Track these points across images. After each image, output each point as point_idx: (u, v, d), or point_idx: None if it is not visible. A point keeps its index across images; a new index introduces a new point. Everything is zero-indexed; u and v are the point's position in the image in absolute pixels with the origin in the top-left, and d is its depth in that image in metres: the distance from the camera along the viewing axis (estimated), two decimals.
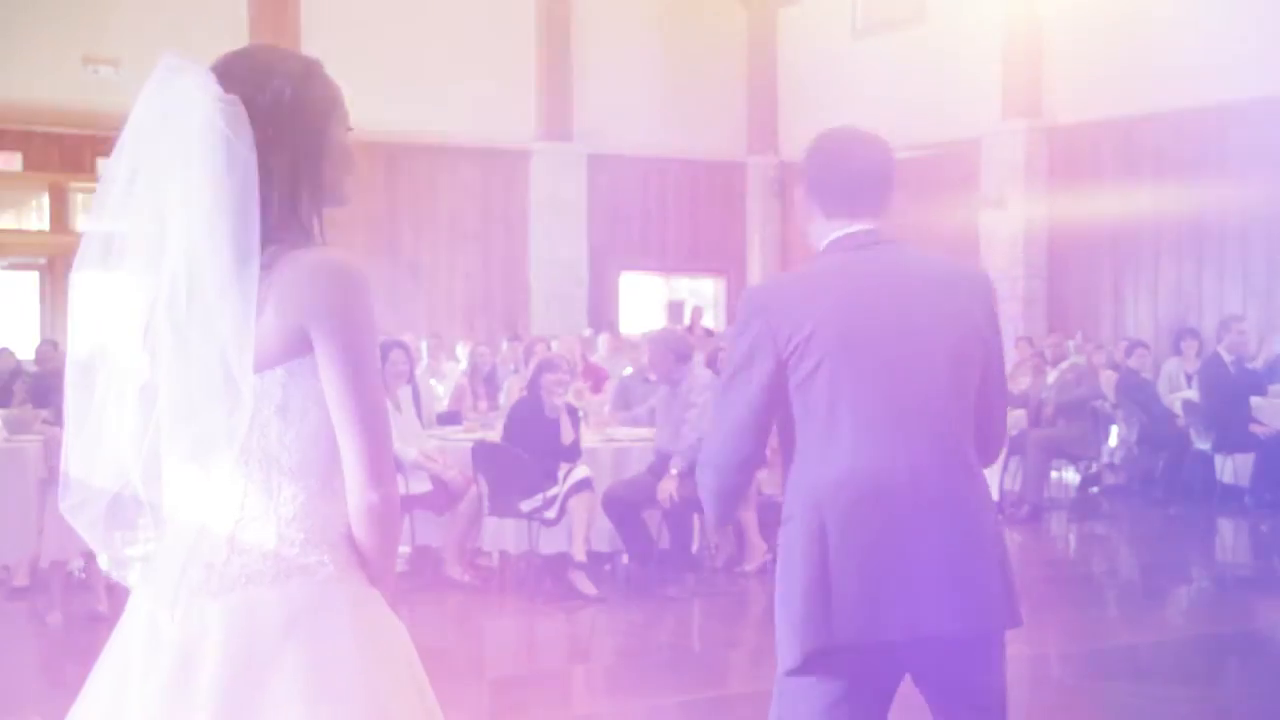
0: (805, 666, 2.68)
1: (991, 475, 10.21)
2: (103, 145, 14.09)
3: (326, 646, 1.95)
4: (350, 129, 2.13)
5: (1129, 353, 11.88)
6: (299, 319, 1.95)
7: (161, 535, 2.05)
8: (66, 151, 14.11)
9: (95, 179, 14.17)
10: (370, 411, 1.98)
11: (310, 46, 14.56)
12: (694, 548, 8.36)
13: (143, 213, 1.96)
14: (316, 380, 1.97)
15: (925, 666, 2.78)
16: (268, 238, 1.96)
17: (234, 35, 14.62)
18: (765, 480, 8.22)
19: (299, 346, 1.96)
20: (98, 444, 1.99)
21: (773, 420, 2.78)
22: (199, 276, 1.93)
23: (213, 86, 1.95)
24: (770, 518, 8.35)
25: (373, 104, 14.33)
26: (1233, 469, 10.85)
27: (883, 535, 2.62)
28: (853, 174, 2.89)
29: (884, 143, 2.97)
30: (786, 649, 2.71)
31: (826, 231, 2.86)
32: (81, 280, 2.03)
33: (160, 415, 1.96)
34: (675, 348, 8.11)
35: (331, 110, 2.08)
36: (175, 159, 1.93)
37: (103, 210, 1.97)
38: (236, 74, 2.00)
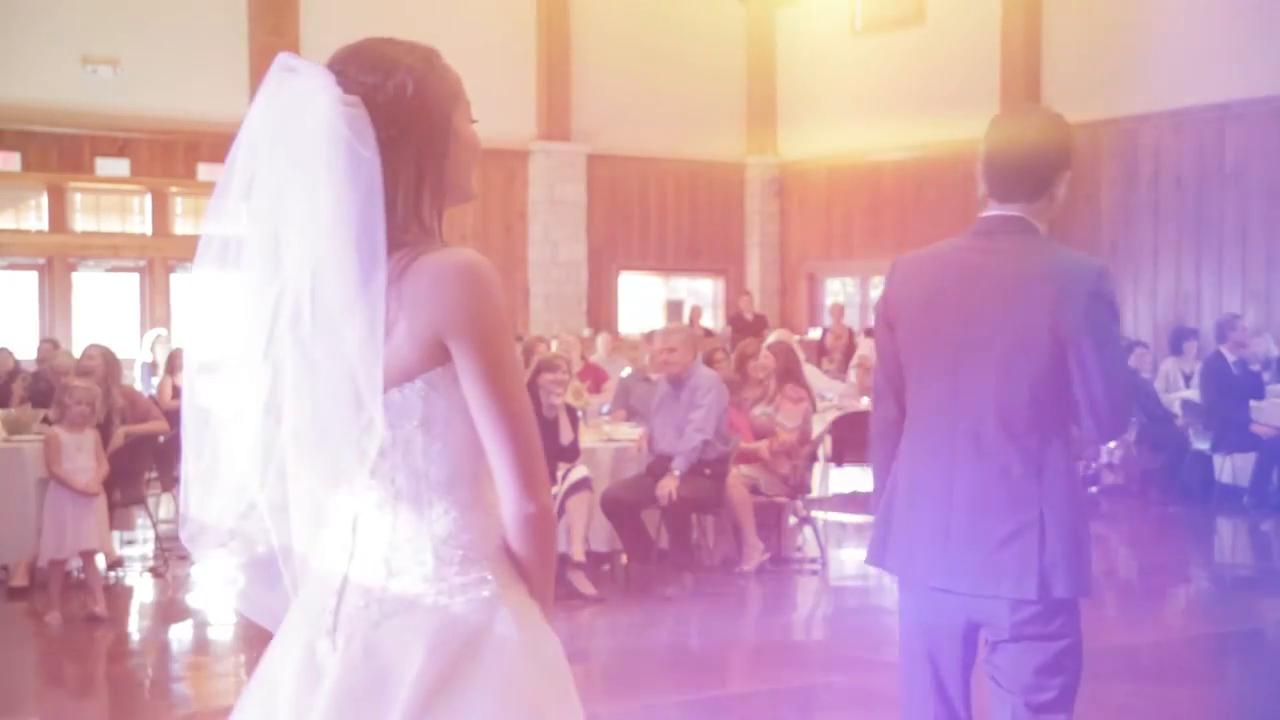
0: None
1: None
2: (102, 145, 14.11)
3: (498, 669, 1.86)
4: (474, 120, 2.03)
5: (1127, 352, 11.88)
6: (433, 328, 1.82)
7: (292, 564, 1.95)
8: (65, 151, 14.10)
9: (94, 178, 14.19)
10: (517, 417, 1.86)
11: (309, 47, 14.57)
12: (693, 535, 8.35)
13: (260, 222, 1.85)
14: (458, 389, 1.85)
15: (974, 617, 3.03)
16: (392, 241, 1.84)
17: (233, 35, 14.62)
18: (763, 482, 8.22)
19: (437, 356, 1.84)
20: (215, 471, 1.88)
21: (900, 378, 3.12)
22: (323, 291, 1.80)
23: (333, 88, 1.83)
24: (768, 519, 8.36)
25: None
26: (1231, 469, 10.85)
27: (936, 500, 2.98)
28: (1003, 158, 3.06)
29: (1045, 127, 3.07)
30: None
31: (982, 210, 3.12)
32: (193, 286, 1.91)
33: (287, 439, 1.84)
34: (696, 344, 8.10)
35: (455, 101, 1.97)
36: (295, 167, 1.81)
37: (218, 220, 1.86)
38: (355, 71, 1.89)
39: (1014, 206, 3.04)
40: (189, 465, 1.90)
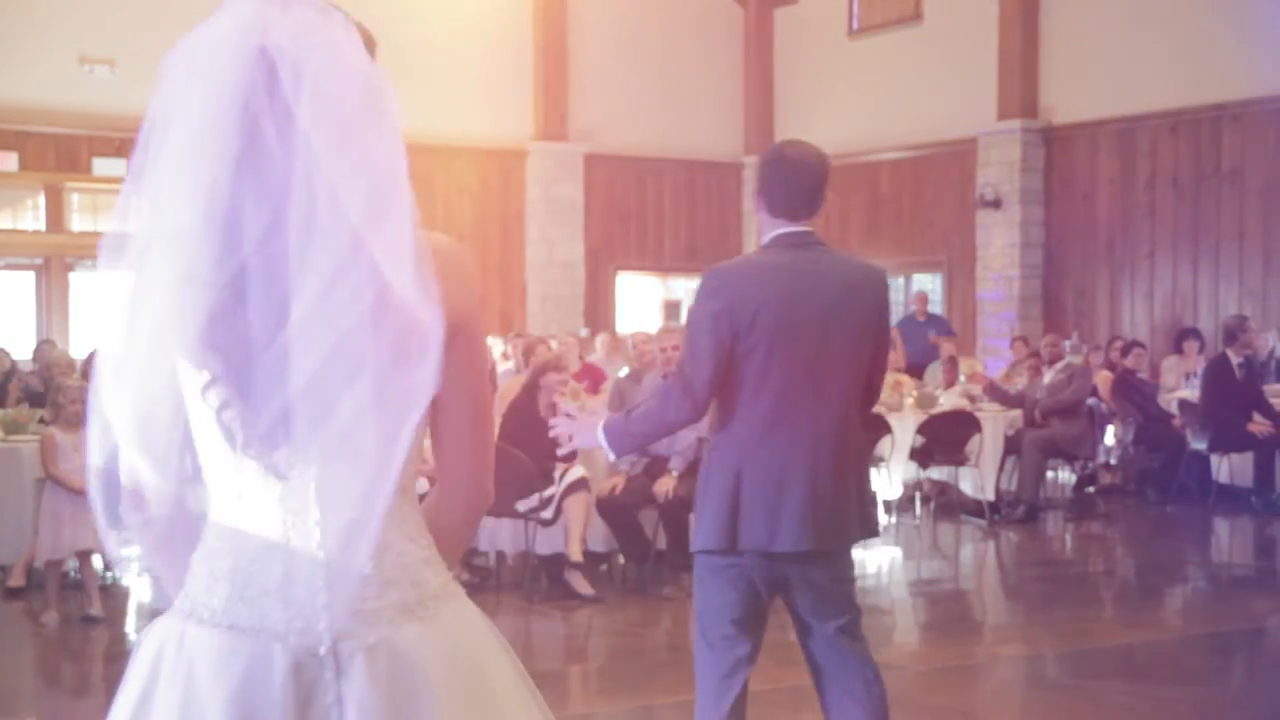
0: (715, 551, 3.63)
1: (987, 475, 10.25)
2: (99, 145, 14.10)
3: (493, 674, 1.76)
4: None
5: (1126, 352, 11.89)
6: (456, 314, 1.70)
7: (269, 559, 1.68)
8: (62, 151, 14.09)
9: (91, 178, 14.18)
10: (491, 409, 1.89)
11: None
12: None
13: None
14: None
15: (797, 573, 3.65)
16: None
17: None
18: None
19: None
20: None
21: (719, 379, 3.55)
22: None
23: (349, 24, 1.65)
24: None
25: None
26: (1229, 468, 10.86)
27: (784, 477, 3.54)
28: (797, 183, 3.59)
29: (824, 157, 3.70)
30: (703, 539, 3.64)
31: (771, 228, 3.64)
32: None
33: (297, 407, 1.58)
34: None
35: None
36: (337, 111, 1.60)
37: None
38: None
39: (804, 223, 3.61)
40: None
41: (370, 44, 1.72)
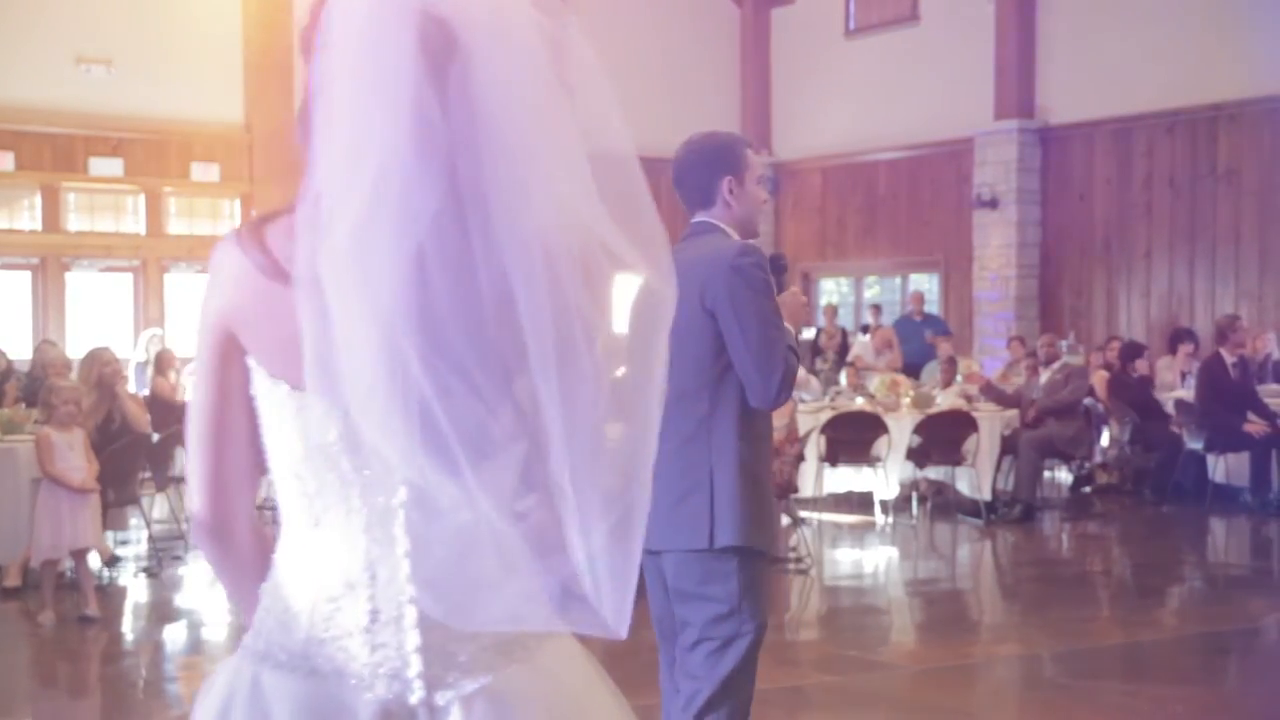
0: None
1: (984, 475, 10.26)
2: (95, 145, 14.09)
3: (596, 715, 1.62)
4: None
5: (1127, 355, 11.88)
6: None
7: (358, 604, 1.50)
8: (59, 151, 14.07)
9: (88, 178, 14.16)
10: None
11: None
12: None
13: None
14: None
15: (665, 574, 3.39)
16: None
17: (228, 35, 14.61)
18: None
19: None
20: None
21: None
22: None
23: None
24: None
25: None
26: (1225, 468, 10.87)
27: None
28: (675, 180, 3.54)
29: (697, 146, 3.55)
30: None
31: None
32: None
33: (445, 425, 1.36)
34: None
35: None
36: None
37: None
38: None
39: (701, 213, 3.52)
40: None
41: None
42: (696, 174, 3.51)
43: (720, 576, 3.29)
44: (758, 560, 3.40)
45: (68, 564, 7.25)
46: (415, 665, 1.47)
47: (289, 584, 1.51)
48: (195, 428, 1.55)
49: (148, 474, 8.73)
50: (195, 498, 1.56)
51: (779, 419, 8.36)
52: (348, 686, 1.47)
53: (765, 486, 3.40)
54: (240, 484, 1.57)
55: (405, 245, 1.34)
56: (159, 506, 9.36)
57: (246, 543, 1.59)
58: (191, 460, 1.57)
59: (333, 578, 1.48)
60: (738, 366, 3.30)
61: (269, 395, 1.48)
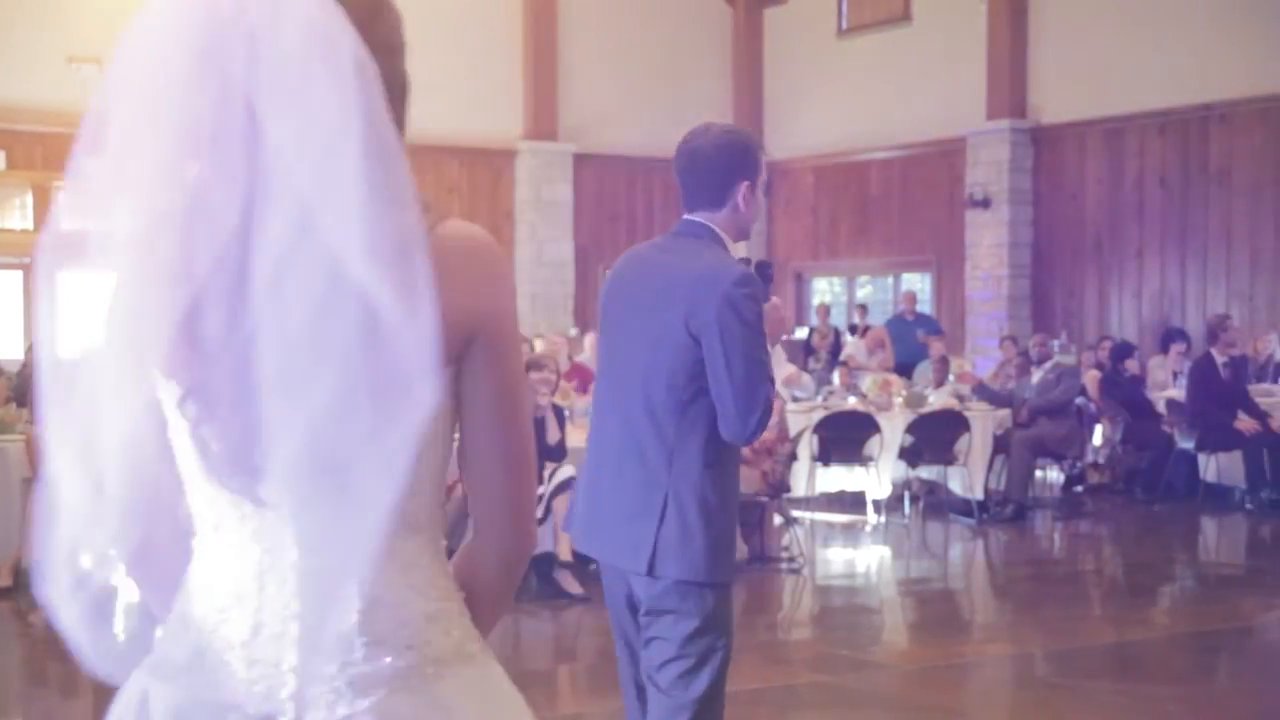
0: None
1: (976, 474, 10.27)
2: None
3: None
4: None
5: (1119, 355, 11.92)
6: (467, 318, 1.43)
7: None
8: (50, 151, 14.03)
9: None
10: (530, 437, 1.55)
11: None
12: None
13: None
14: (452, 399, 1.46)
15: (612, 586, 3.30)
16: None
17: None
18: (743, 480, 8.22)
19: (453, 354, 1.43)
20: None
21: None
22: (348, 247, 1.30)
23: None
24: (750, 518, 8.36)
25: None
26: (1216, 467, 10.90)
27: (596, 476, 3.31)
28: (683, 172, 3.29)
29: (720, 143, 3.24)
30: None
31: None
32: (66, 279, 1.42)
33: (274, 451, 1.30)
34: None
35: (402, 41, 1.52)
36: (282, 86, 1.32)
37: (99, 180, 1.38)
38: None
39: (700, 214, 3.26)
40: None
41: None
42: (713, 171, 3.21)
43: (694, 594, 3.14)
44: (720, 587, 3.20)
45: None
46: (289, 685, 1.38)
47: (187, 592, 1.46)
48: None
49: None
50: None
51: (771, 417, 8.37)
52: (220, 707, 1.40)
53: (723, 517, 3.17)
54: None
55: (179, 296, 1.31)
56: None
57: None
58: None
59: (224, 587, 1.42)
60: (716, 399, 3.10)
61: (165, 391, 1.40)
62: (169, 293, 1.30)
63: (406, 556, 1.42)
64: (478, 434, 1.50)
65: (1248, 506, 10.52)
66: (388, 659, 1.39)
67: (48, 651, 6.64)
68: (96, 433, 1.36)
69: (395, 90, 1.42)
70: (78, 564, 1.41)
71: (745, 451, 8.28)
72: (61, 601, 1.42)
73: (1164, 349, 12.61)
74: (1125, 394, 11.53)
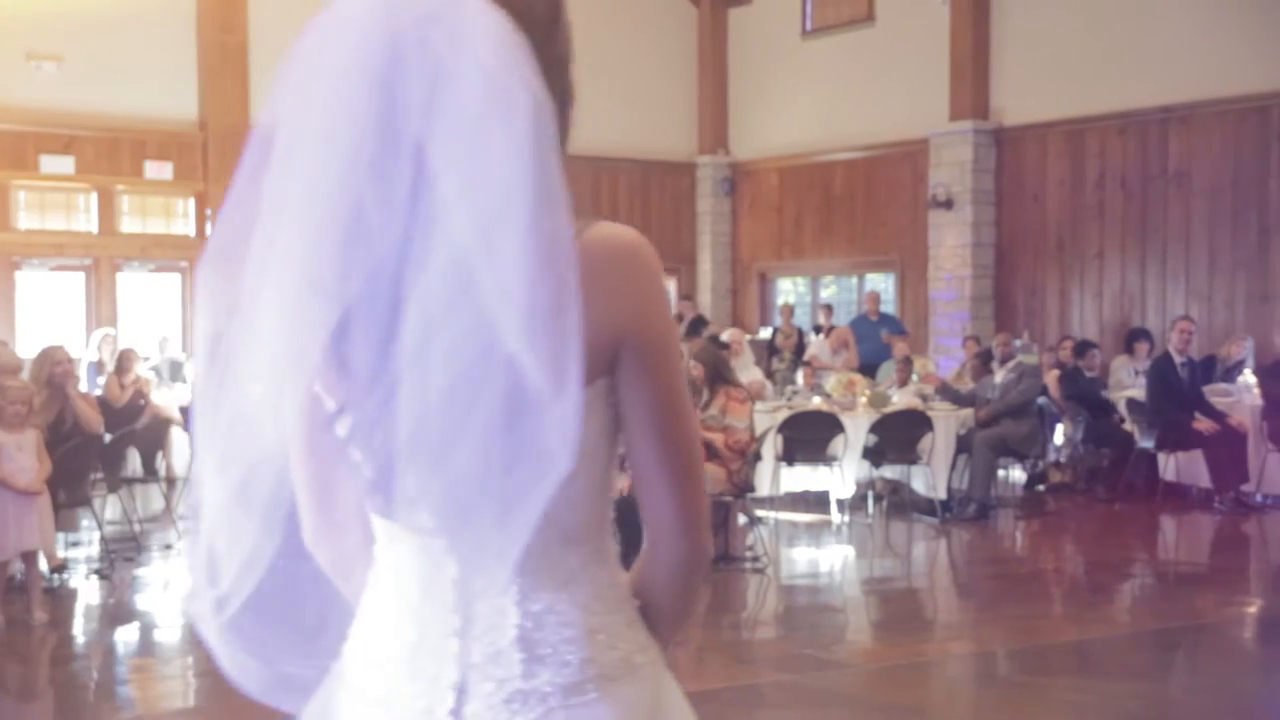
0: None
1: (939, 473, 10.33)
2: (46, 142, 13.92)
3: None
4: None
5: (1077, 352, 12.03)
6: (615, 326, 1.40)
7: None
8: (9, 148, 13.89)
9: (39, 176, 13.99)
10: (696, 440, 1.51)
11: (258, 44, 14.45)
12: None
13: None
14: (610, 409, 1.44)
15: None
16: None
17: (181, 32, 14.48)
18: (709, 480, 8.23)
19: (603, 364, 1.41)
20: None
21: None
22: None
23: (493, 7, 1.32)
24: (715, 518, 8.37)
25: None
26: (1175, 466, 11.00)
27: None
28: None
29: None
30: None
31: None
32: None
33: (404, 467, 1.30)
34: None
35: (571, 50, 1.53)
36: (457, 115, 1.30)
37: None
38: None
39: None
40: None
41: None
42: None
43: None
44: None
45: (17, 567, 7.16)
46: (448, 701, 1.40)
47: (369, 600, 1.48)
48: None
49: (99, 475, 8.64)
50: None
51: (741, 420, 8.38)
52: (390, 715, 1.42)
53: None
54: None
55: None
56: (111, 508, 9.26)
57: None
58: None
59: (396, 598, 1.44)
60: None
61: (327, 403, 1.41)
62: (323, 305, 1.29)
63: (567, 571, 1.42)
64: (639, 445, 1.46)
65: (1217, 506, 10.61)
66: (546, 675, 1.38)
67: (6, 654, 6.57)
68: (239, 438, 1.36)
69: (564, 102, 1.45)
70: (218, 578, 1.40)
71: (721, 449, 8.29)
72: (203, 618, 1.42)
73: (1128, 349, 12.72)
74: (1083, 392, 11.64)
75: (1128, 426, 11.40)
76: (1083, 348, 12.08)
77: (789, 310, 15.90)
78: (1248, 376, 11.23)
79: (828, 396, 11.11)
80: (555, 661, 1.39)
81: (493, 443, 1.26)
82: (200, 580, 1.40)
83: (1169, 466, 10.97)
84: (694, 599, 1.59)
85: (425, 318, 1.25)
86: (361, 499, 1.43)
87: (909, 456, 10.32)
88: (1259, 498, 10.82)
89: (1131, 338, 12.79)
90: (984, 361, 11.69)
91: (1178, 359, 10.92)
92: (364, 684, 1.44)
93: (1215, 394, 11.12)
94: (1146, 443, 11.01)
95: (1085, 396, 11.62)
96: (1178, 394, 10.79)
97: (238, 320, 1.34)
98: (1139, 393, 11.48)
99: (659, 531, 1.48)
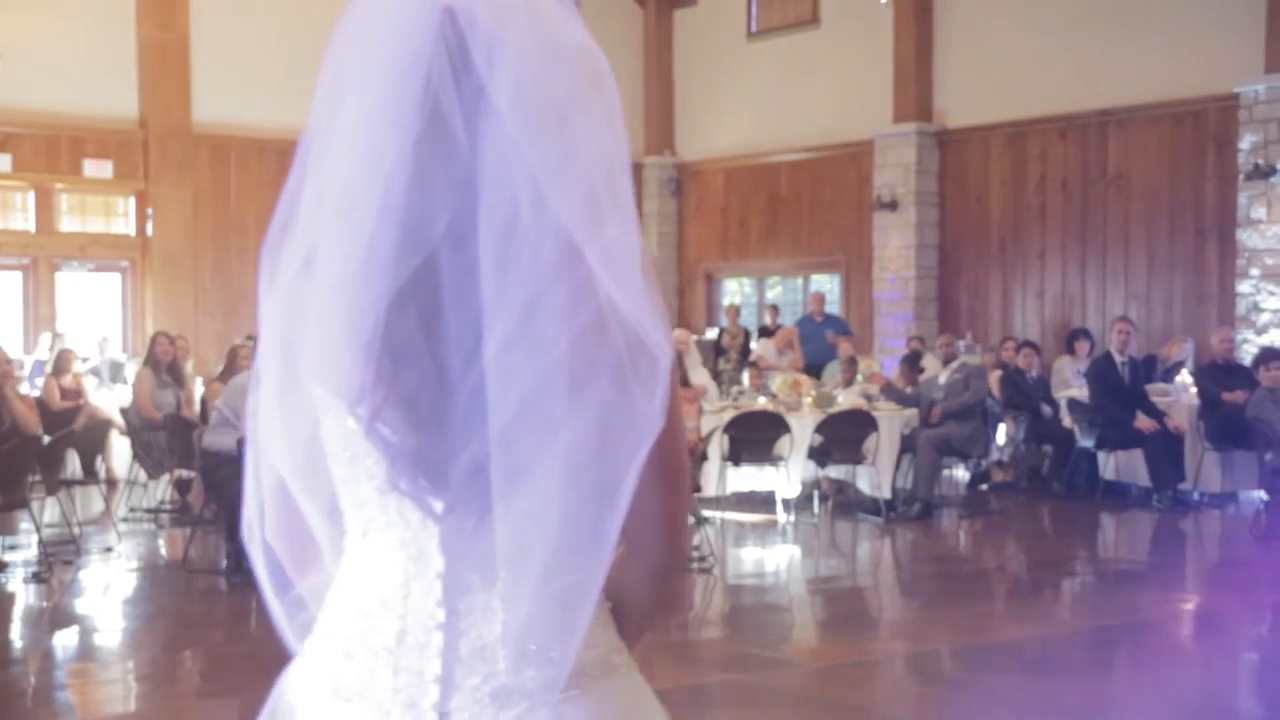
0: None
1: (884, 473, 10.40)
2: None
3: None
4: None
5: (1018, 352, 12.17)
6: None
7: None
8: None
9: None
10: (682, 444, 1.47)
11: (198, 43, 14.29)
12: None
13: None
14: None
15: None
16: None
17: (121, 29, 14.30)
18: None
19: None
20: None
21: None
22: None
23: None
24: None
25: (260, 104, 14.09)
26: (1115, 465, 11.14)
27: None
28: None
29: None
30: None
31: None
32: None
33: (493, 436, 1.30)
34: None
35: None
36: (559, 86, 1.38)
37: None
38: None
39: None
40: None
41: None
42: None
43: None
44: None
45: None
46: (431, 695, 1.39)
47: (339, 592, 1.46)
48: None
49: (37, 477, 8.50)
50: None
51: (689, 420, 8.40)
52: (366, 710, 1.41)
53: None
54: None
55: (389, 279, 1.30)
56: (49, 510, 9.13)
57: None
58: None
59: (370, 592, 1.42)
60: None
61: (320, 398, 1.40)
62: (369, 291, 1.30)
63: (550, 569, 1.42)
64: None
65: (1155, 504, 10.75)
66: (530, 671, 1.38)
67: None
68: (276, 423, 1.41)
69: None
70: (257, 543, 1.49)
71: None
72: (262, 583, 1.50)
73: (1068, 349, 12.87)
74: (1022, 394, 11.77)
75: (1067, 424, 11.53)
76: (1024, 345, 12.27)
77: (735, 311, 15.94)
78: (1185, 377, 11.39)
79: (773, 397, 11.15)
80: (538, 658, 1.38)
81: (611, 409, 1.27)
82: (252, 511, 1.48)
83: (1109, 465, 11.11)
84: (668, 601, 1.59)
85: (527, 294, 1.26)
86: (352, 488, 1.41)
87: (854, 456, 10.38)
88: (1196, 496, 10.98)
89: (1072, 338, 12.95)
90: (912, 365, 11.75)
91: (1118, 358, 11.07)
92: (338, 677, 1.42)
93: (1154, 394, 11.27)
94: (1087, 442, 11.14)
95: (1025, 397, 11.76)
96: (1119, 393, 10.94)
97: (300, 283, 1.36)
98: (1079, 392, 11.62)
99: (641, 533, 1.46)
